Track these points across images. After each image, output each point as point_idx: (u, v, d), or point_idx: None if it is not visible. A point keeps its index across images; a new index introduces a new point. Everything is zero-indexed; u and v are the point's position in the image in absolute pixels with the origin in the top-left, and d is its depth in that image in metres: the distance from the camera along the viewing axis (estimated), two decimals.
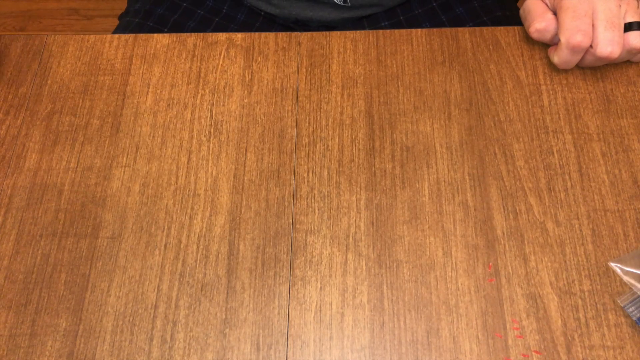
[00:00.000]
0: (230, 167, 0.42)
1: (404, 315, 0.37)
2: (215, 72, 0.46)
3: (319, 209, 0.41)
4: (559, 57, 0.43)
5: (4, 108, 0.46)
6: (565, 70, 0.45)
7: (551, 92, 0.44)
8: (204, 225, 0.40)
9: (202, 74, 0.46)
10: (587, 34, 0.41)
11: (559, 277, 0.38)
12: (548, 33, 0.44)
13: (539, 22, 0.43)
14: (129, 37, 0.48)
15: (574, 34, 0.41)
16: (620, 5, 0.42)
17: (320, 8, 0.56)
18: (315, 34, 0.48)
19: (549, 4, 0.44)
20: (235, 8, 0.61)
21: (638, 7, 0.43)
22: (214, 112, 0.45)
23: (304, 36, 0.48)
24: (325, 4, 0.55)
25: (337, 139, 0.43)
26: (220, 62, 0.47)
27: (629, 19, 0.42)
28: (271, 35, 0.48)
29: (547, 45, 0.46)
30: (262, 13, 0.61)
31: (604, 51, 0.41)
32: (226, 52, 0.47)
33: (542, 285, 0.38)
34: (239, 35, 0.48)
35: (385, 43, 0.47)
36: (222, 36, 0.48)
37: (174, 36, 0.48)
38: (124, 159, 0.43)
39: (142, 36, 0.48)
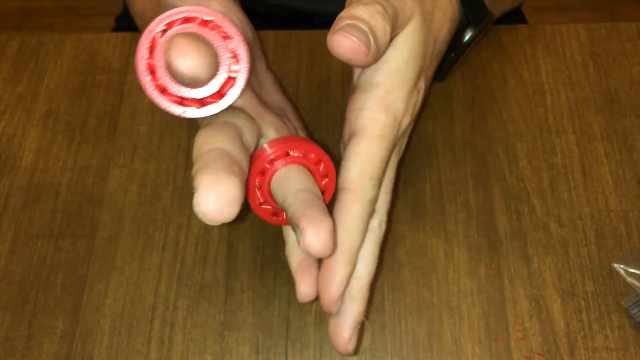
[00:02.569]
0: None
1: (405, 317, 0.37)
2: None
3: None
4: None
5: (0, 107, 0.45)
6: (569, 69, 0.45)
7: (554, 91, 0.44)
8: (203, 226, 0.40)
9: None
10: None
11: (562, 279, 0.38)
12: None
13: None
14: (127, 35, 0.48)
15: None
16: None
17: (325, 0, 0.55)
18: (315, 32, 0.47)
19: None
20: None
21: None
22: None
23: (304, 34, 0.47)
24: None
25: (337, 139, 0.43)
26: None
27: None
28: (270, 34, 0.47)
29: (548, 46, 0.46)
30: (262, 11, 0.61)
31: None
32: None
33: (545, 286, 0.37)
34: None
35: None
36: None
37: None
38: (122, 158, 0.43)
39: (140, 35, 0.48)
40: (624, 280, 0.37)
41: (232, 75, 0.27)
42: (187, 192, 0.41)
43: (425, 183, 0.41)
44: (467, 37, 0.39)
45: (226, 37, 0.27)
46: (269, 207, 0.31)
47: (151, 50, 0.27)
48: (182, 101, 0.27)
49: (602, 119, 0.43)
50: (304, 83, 0.45)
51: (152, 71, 0.27)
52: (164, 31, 0.27)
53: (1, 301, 0.38)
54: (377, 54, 0.28)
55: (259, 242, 0.39)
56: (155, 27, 0.27)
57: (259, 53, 0.35)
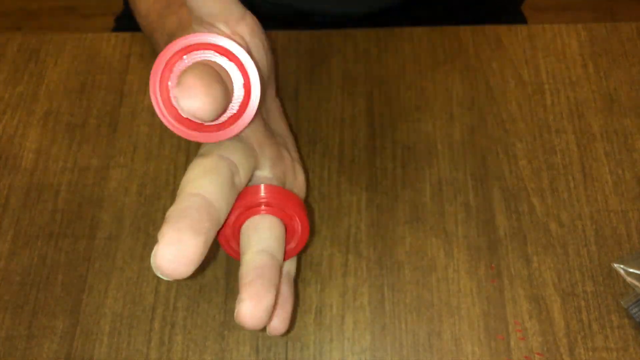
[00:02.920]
0: None
1: (405, 317, 0.37)
2: None
3: (319, 210, 0.40)
4: None
5: (0, 107, 0.45)
6: (569, 69, 0.45)
7: (554, 91, 0.44)
8: None
9: None
10: None
11: (562, 279, 0.38)
12: None
13: None
14: (127, 35, 0.48)
15: None
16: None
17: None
18: (315, 32, 0.47)
19: None
20: None
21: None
22: None
23: (304, 35, 0.47)
24: None
25: (337, 139, 0.43)
26: None
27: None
28: (270, 34, 0.47)
29: (548, 46, 0.46)
30: (262, 11, 0.61)
31: None
32: None
33: (544, 286, 0.37)
34: None
35: (386, 41, 0.46)
36: None
37: None
38: (122, 158, 0.43)
39: (140, 34, 0.48)
40: (624, 280, 0.37)
41: (242, 107, 0.27)
42: None
43: (425, 183, 0.41)
44: None
45: (241, 67, 0.27)
46: (237, 247, 0.31)
47: (167, 72, 0.27)
48: (189, 124, 0.27)
49: (602, 119, 0.43)
50: (304, 83, 0.45)
51: (164, 88, 0.27)
52: (184, 51, 0.27)
53: (1, 301, 0.38)
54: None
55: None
56: (174, 48, 0.26)
57: (273, 77, 0.35)
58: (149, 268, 0.39)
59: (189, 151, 0.43)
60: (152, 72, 0.27)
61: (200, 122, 0.27)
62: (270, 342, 0.37)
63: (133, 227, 0.40)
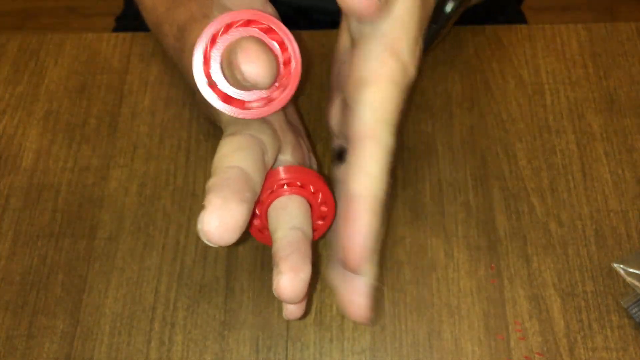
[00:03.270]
0: None
1: (405, 317, 0.37)
2: None
3: None
4: None
5: (0, 107, 0.45)
6: (569, 69, 0.45)
7: (554, 91, 0.44)
8: None
9: None
10: None
11: (561, 279, 0.38)
12: None
13: None
14: (127, 35, 0.48)
15: None
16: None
17: None
18: (315, 32, 0.47)
19: None
20: None
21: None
22: None
23: (304, 34, 0.47)
24: None
25: None
26: None
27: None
28: None
29: (548, 46, 0.46)
30: None
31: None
32: None
33: (544, 286, 0.37)
34: None
35: None
36: None
37: None
38: (122, 158, 0.43)
39: (140, 34, 0.48)
40: (624, 280, 0.37)
41: (281, 86, 0.28)
42: (187, 192, 0.41)
43: (425, 183, 0.41)
44: (449, 9, 0.39)
45: (282, 45, 0.27)
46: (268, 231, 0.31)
47: (212, 43, 0.27)
48: (225, 98, 0.28)
49: (602, 119, 0.43)
50: (304, 83, 0.45)
51: (206, 63, 0.27)
52: (226, 29, 0.27)
53: (1, 301, 0.38)
54: (387, 5, 0.28)
55: (259, 242, 0.39)
56: (219, 24, 0.27)
57: None
58: (149, 268, 0.39)
59: (189, 151, 0.43)
60: (197, 45, 0.27)
61: (238, 95, 0.27)
62: (270, 342, 0.37)
63: (133, 227, 0.40)
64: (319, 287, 0.38)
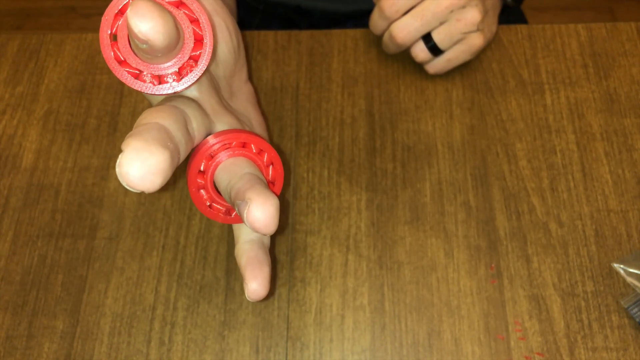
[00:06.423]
0: None
1: (405, 317, 0.37)
2: None
3: (319, 210, 0.40)
4: (372, 16, 0.44)
5: (0, 107, 0.45)
6: (569, 69, 0.45)
7: (554, 91, 0.44)
8: (203, 226, 0.40)
9: None
10: (398, 8, 0.42)
11: (561, 278, 0.38)
12: None
13: None
14: None
15: (388, 2, 0.42)
16: (452, 11, 0.41)
17: None
18: (315, 32, 0.47)
19: None
20: None
21: (478, 23, 0.41)
22: None
23: (304, 34, 0.47)
24: None
25: (337, 139, 0.43)
26: None
27: (441, 34, 0.42)
28: (270, 34, 0.47)
29: (548, 46, 0.46)
30: (261, 7, 0.61)
31: (394, 30, 0.42)
32: None
33: (544, 286, 0.37)
34: None
35: None
36: None
37: None
38: None
39: None
40: (624, 280, 0.37)
41: (194, 58, 0.27)
42: (187, 192, 0.41)
43: (425, 183, 0.41)
44: None
45: (193, 20, 0.26)
46: (220, 206, 0.30)
47: (117, 19, 0.26)
48: (139, 75, 0.26)
49: (602, 119, 0.43)
50: (304, 83, 0.45)
51: (115, 41, 0.26)
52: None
53: (1, 301, 0.38)
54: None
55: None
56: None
57: (241, 62, 0.34)
58: (149, 268, 0.39)
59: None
60: (102, 21, 0.25)
61: (151, 70, 0.26)
62: (270, 342, 0.37)
63: (133, 227, 0.40)
64: (319, 287, 0.38)
